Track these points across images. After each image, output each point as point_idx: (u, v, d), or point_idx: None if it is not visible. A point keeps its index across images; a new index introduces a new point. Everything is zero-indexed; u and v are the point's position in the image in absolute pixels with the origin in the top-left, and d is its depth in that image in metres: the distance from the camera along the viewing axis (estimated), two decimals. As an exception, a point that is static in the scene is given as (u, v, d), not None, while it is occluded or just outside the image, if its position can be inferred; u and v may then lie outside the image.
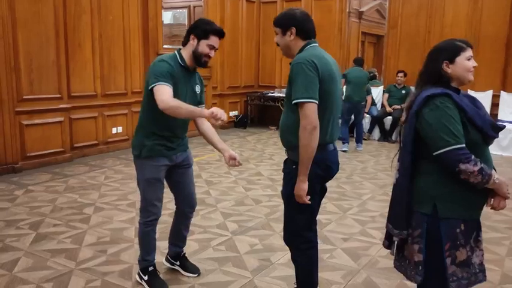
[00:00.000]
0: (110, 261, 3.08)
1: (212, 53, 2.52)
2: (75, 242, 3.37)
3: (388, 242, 1.96)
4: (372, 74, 8.75)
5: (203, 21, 2.60)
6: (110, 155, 6.47)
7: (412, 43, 8.08)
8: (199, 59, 2.50)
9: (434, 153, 1.70)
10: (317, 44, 2.21)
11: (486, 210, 4.42)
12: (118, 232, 3.61)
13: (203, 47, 2.48)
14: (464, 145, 1.67)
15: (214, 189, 4.89)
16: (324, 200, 4.51)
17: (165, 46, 7.55)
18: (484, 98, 7.53)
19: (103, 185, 4.95)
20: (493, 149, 7.05)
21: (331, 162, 2.22)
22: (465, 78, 1.80)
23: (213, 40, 2.50)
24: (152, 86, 2.36)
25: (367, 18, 11.86)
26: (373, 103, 8.27)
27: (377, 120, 8.13)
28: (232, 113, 9.53)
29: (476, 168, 1.65)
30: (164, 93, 2.31)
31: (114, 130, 6.77)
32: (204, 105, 2.66)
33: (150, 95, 2.41)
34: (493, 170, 1.77)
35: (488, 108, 7.51)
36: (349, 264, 3.10)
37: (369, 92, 7.77)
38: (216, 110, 2.25)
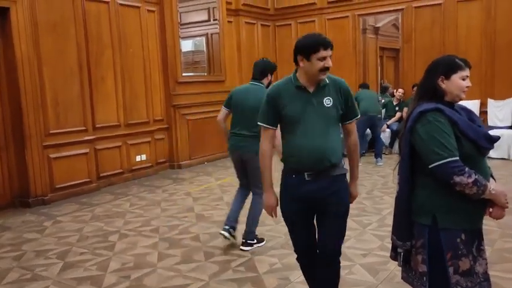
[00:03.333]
0: (133, 286, 3.18)
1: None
2: (100, 269, 3.49)
3: (394, 254, 1.99)
4: (383, 86, 8.89)
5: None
6: (134, 182, 6.66)
7: (428, 56, 7.97)
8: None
9: (429, 167, 1.74)
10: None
11: (509, 219, 4.32)
12: (141, 257, 3.71)
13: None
14: (457, 158, 1.70)
15: (235, 211, 4.95)
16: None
17: (184, 74, 7.80)
18: (505, 106, 7.41)
19: (128, 212, 5.09)
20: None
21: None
22: (456, 96, 1.84)
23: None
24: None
25: (384, 34, 11.87)
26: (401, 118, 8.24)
27: (397, 134, 8.08)
28: (254, 135, 9.63)
29: (470, 180, 1.68)
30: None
31: (138, 158, 6.98)
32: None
33: None
34: (491, 180, 1.79)
35: (509, 116, 7.38)
36: (367, 279, 3.09)
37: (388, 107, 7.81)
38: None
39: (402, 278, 1.99)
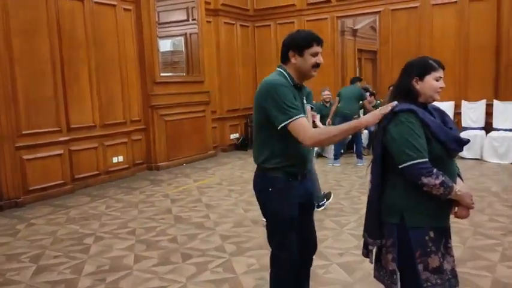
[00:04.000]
0: (108, 289, 3.12)
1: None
2: (75, 272, 3.41)
3: (366, 251, 2.01)
4: (363, 88, 8.93)
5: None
6: (111, 184, 6.55)
7: (404, 58, 7.93)
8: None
9: (399, 167, 1.77)
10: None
11: (480, 218, 4.43)
12: (117, 260, 3.64)
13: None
14: (426, 159, 1.73)
15: (214, 212, 4.92)
16: (321, 217, 4.59)
17: (162, 74, 7.72)
18: (478, 108, 7.60)
19: (104, 215, 5.00)
20: (491, 158, 7.09)
21: None
22: (430, 97, 1.87)
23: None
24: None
25: (362, 36, 12.02)
26: None
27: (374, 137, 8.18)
28: (233, 136, 9.62)
29: (437, 182, 1.72)
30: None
31: (114, 159, 6.86)
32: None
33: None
34: (458, 180, 1.86)
35: (482, 118, 7.57)
36: (344, 278, 3.12)
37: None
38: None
39: (374, 277, 2.01)
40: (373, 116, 1.93)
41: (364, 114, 7.93)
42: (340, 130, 2.07)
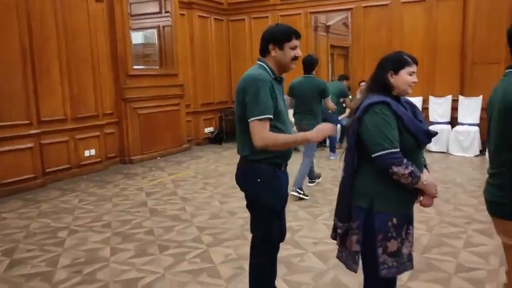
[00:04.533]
0: (85, 280, 3.11)
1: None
2: (50, 265, 3.38)
3: (334, 234, 2.11)
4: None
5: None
6: (83, 178, 6.46)
7: (375, 54, 8.18)
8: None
9: (372, 156, 1.87)
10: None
11: (446, 207, 4.64)
12: (93, 252, 3.63)
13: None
14: (398, 149, 1.84)
15: (190, 205, 4.95)
16: (295, 208, 4.69)
17: (135, 67, 7.64)
18: (444, 103, 7.89)
19: (77, 208, 4.94)
20: (456, 151, 7.39)
21: None
22: (403, 91, 1.98)
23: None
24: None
25: (334, 32, 12.18)
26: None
27: (347, 130, 8.36)
28: (208, 130, 9.63)
29: (407, 171, 1.83)
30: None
31: (87, 153, 6.76)
32: None
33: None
34: (425, 170, 1.99)
35: (448, 112, 7.87)
36: (318, 266, 3.22)
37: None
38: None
39: (337, 257, 2.13)
40: (322, 134, 2.23)
41: (344, 111, 8.10)
42: (287, 140, 2.22)
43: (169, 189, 5.73)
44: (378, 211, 1.90)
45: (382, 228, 1.89)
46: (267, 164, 2.27)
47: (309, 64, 5.25)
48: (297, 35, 2.30)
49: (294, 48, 2.28)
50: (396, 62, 1.96)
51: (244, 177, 2.38)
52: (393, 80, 1.95)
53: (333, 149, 7.55)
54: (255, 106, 2.15)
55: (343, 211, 2.00)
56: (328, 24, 11.75)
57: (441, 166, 6.55)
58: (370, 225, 1.91)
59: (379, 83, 1.97)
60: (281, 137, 2.21)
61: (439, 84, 8.04)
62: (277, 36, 2.27)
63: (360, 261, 2.00)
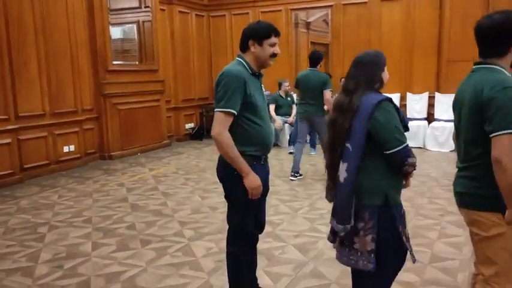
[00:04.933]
0: (66, 275, 3.11)
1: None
2: (31, 260, 3.37)
3: (333, 237, 2.09)
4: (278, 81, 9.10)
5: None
6: (62, 174, 6.39)
7: (355, 51, 8.35)
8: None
9: (388, 152, 1.89)
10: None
11: (421, 201, 4.78)
12: (74, 247, 3.62)
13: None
14: (407, 142, 1.94)
15: (171, 200, 4.97)
16: (276, 202, 4.77)
17: (114, 62, 7.57)
18: (421, 100, 8.08)
19: (56, 204, 4.91)
20: (432, 146, 7.59)
21: None
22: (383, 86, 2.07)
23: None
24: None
25: (315, 29, 12.28)
26: None
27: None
28: (188, 126, 9.61)
29: (415, 160, 1.94)
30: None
31: (66, 149, 6.69)
32: None
33: None
34: None
35: (425, 109, 8.07)
36: (298, 257, 3.30)
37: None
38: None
39: (343, 263, 2.06)
40: (251, 189, 2.29)
41: None
42: (233, 155, 2.25)
43: (151, 184, 5.73)
44: (394, 204, 1.94)
45: (401, 219, 1.95)
46: (245, 157, 2.31)
47: (315, 59, 5.83)
48: (276, 33, 2.37)
49: (272, 45, 2.35)
50: (384, 60, 2.05)
51: (222, 169, 2.43)
52: (384, 77, 2.04)
53: (313, 145, 7.67)
54: (222, 99, 2.25)
55: (346, 212, 1.94)
56: (308, 21, 11.84)
57: (417, 161, 6.71)
58: (389, 219, 1.92)
59: (376, 81, 2.00)
60: (231, 146, 2.25)
61: (416, 81, 8.24)
62: (257, 33, 2.34)
63: (362, 259, 1.95)
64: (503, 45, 1.89)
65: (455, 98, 2.04)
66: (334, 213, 2.02)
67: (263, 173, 2.43)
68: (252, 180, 2.29)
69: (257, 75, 2.41)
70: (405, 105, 8.16)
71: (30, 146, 6.14)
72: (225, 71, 2.31)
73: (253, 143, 2.33)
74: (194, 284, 2.93)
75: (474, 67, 1.97)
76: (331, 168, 2.04)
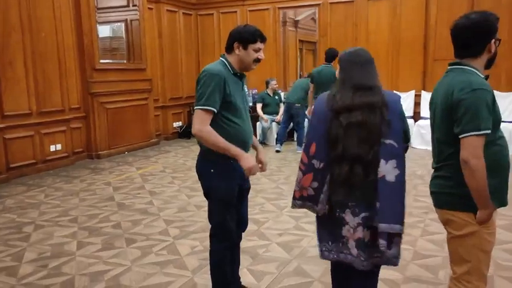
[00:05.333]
0: (51, 274, 3.12)
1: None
2: (15, 260, 3.37)
3: (387, 243, 1.98)
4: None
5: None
6: (49, 173, 6.36)
7: (342, 50, 8.57)
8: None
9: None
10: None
11: (408, 200, 4.85)
12: (59, 247, 3.63)
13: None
14: None
15: (158, 198, 4.98)
16: (262, 201, 4.80)
17: (102, 61, 7.54)
18: (408, 98, 8.17)
19: (43, 203, 4.89)
20: (419, 144, 7.69)
21: None
22: None
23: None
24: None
25: (303, 27, 12.31)
26: None
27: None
28: (176, 124, 9.61)
29: None
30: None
31: (52, 148, 6.66)
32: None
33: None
34: None
35: (411, 107, 8.17)
36: (282, 255, 3.34)
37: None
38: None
39: (356, 265, 2.00)
40: (249, 169, 2.30)
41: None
42: (220, 143, 2.26)
43: (138, 183, 5.73)
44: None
45: None
46: (223, 155, 2.34)
47: (330, 55, 6.36)
48: (262, 39, 2.41)
49: (257, 50, 2.39)
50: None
51: (200, 168, 2.47)
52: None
53: (300, 143, 7.71)
54: (202, 97, 2.27)
55: (403, 210, 2.00)
56: (296, 19, 11.87)
57: (403, 159, 6.79)
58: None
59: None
60: (215, 136, 2.27)
61: (402, 80, 8.32)
62: (243, 36, 2.37)
63: (364, 263, 1.99)
64: (478, 46, 1.90)
65: (431, 98, 2.09)
66: (383, 216, 1.93)
67: (240, 171, 2.43)
68: (247, 160, 2.31)
69: (239, 76, 2.44)
70: (392, 103, 8.24)
71: (17, 145, 6.10)
72: (205, 70, 2.35)
73: (233, 140, 2.35)
74: (178, 282, 2.96)
75: (448, 67, 2.00)
76: (361, 169, 1.95)
